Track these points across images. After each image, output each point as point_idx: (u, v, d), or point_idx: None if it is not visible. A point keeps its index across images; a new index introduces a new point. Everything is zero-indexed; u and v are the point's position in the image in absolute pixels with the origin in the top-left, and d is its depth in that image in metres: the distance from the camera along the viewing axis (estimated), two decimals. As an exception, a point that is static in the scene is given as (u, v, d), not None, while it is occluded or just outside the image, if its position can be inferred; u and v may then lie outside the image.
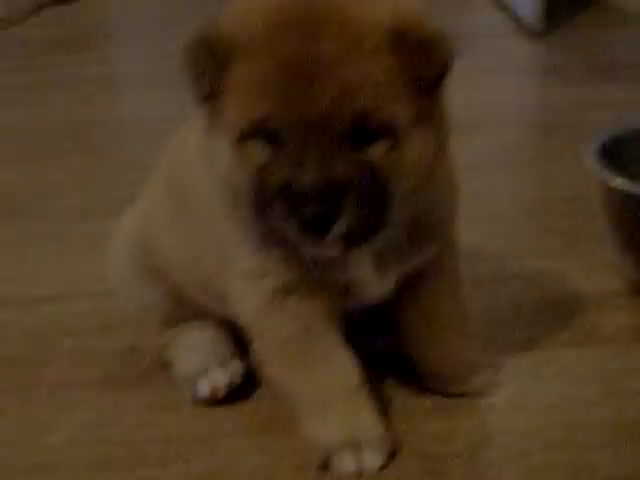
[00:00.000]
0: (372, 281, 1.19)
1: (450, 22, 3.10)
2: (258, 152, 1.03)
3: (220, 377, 1.33)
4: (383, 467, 1.18)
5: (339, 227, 1.00)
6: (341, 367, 1.20)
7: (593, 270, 1.61)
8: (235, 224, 1.15)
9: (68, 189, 2.16)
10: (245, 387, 1.34)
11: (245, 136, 1.03)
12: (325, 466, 1.18)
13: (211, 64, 1.04)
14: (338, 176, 0.99)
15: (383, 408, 1.26)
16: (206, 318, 1.41)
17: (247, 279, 1.19)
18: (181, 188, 1.28)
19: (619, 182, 1.44)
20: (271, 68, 1.00)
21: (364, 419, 1.20)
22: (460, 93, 2.43)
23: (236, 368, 1.36)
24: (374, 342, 1.39)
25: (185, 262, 1.31)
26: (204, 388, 1.33)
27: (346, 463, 1.18)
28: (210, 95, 1.06)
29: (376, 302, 1.25)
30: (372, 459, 1.18)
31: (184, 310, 1.39)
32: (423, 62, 1.02)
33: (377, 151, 1.02)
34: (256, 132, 1.02)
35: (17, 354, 1.50)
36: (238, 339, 1.38)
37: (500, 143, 2.28)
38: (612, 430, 1.22)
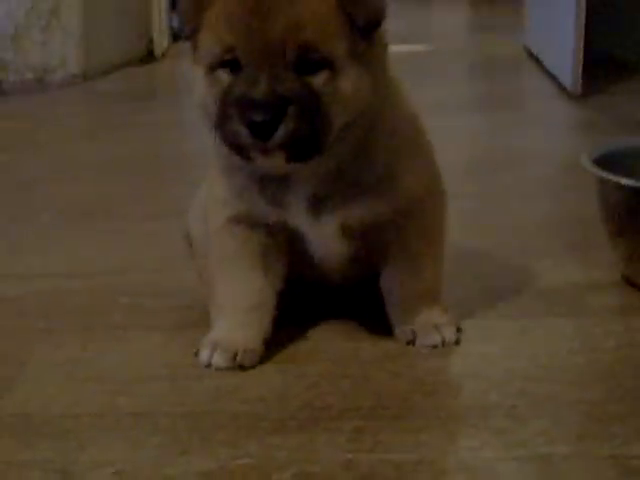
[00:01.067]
0: (307, 224, 1.43)
1: (501, 83, 3.46)
2: (224, 77, 1.29)
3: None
4: (383, 388, 1.38)
5: (281, 133, 1.24)
6: (248, 287, 1.48)
7: (590, 267, 1.82)
8: (215, 157, 1.45)
9: (133, 200, 2.52)
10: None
11: (214, 65, 1.30)
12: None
13: (193, 6, 1.31)
14: (284, 92, 1.24)
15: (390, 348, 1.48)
16: None
17: (215, 204, 1.48)
18: None
19: (610, 175, 1.64)
20: (236, 8, 1.26)
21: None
22: (503, 139, 2.75)
23: None
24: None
25: None
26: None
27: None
28: (192, 32, 1.33)
29: (334, 258, 1.50)
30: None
31: None
32: (358, 8, 1.27)
33: (318, 80, 1.27)
34: (222, 61, 1.28)
35: (85, 306, 1.77)
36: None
37: (529, 178, 2.58)
38: (585, 373, 1.42)
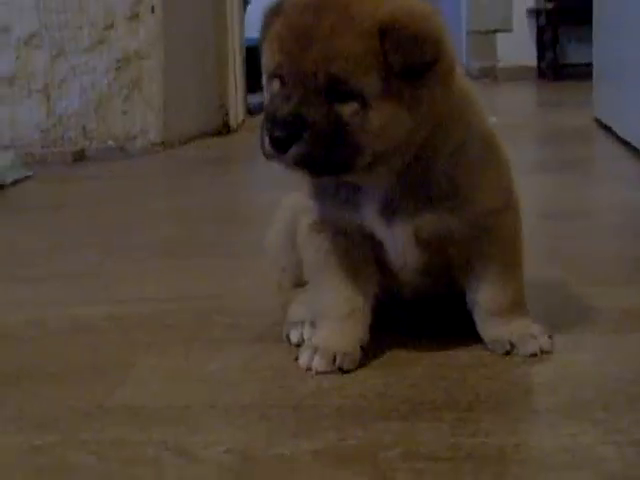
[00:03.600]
0: (381, 228, 1.50)
1: (573, 149, 3.56)
2: (275, 86, 1.40)
3: (308, 332, 1.64)
4: (480, 388, 1.43)
5: (293, 152, 1.34)
6: (338, 296, 1.56)
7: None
8: None
9: (214, 243, 2.67)
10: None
11: (269, 76, 1.42)
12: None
13: (263, 22, 1.44)
14: (304, 115, 1.34)
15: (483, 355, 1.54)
16: None
17: (301, 215, 1.59)
18: None
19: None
20: (286, 31, 1.37)
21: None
22: (575, 192, 2.80)
23: None
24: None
25: None
26: (295, 336, 1.66)
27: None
28: (259, 44, 1.45)
29: (411, 268, 1.56)
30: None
31: None
32: (397, 55, 1.34)
33: (346, 109, 1.35)
34: (273, 74, 1.40)
35: (183, 324, 1.86)
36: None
37: (601, 224, 2.68)
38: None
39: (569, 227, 2.56)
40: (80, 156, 4.63)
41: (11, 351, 1.75)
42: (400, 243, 1.52)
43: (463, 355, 1.57)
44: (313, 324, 1.63)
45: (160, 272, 2.32)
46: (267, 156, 1.39)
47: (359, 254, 1.56)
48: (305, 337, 1.64)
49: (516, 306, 1.58)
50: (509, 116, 5.59)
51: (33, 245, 2.75)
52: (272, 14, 1.42)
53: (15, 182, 3.86)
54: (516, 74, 8.82)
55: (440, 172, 1.47)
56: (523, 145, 4.48)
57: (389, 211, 1.49)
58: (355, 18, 1.34)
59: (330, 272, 1.56)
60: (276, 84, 1.40)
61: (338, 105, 1.35)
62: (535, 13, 8.99)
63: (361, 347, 1.55)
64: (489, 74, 9.06)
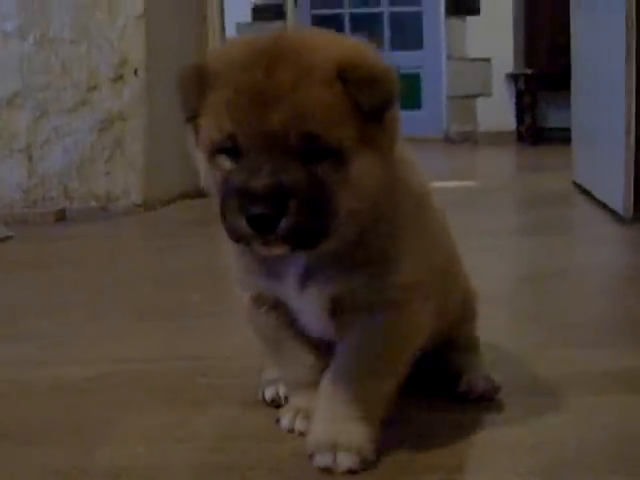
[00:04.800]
0: (295, 293, 1.40)
1: (553, 212, 3.59)
2: (225, 164, 1.25)
3: (283, 390, 1.63)
4: (460, 449, 1.43)
5: (282, 227, 1.19)
6: (301, 367, 1.52)
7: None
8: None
9: (199, 302, 2.66)
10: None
11: (214, 151, 1.26)
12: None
13: (193, 91, 1.27)
14: (285, 183, 1.18)
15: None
16: None
17: (238, 288, 1.54)
18: None
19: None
20: (235, 95, 1.22)
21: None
22: (556, 255, 2.82)
23: None
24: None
25: None
26: (269, 393, 1.65)
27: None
28: (191, 117, 1.29)
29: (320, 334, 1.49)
30: None
31: None
32: (364, 94, 1.22)
33: (325, 168, 1.21)
34: (222, 148, 1.24)
35: (165, 385, 1.86)
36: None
37: (585, 285, 2.67)
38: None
39: (549, 289, 2.57)
40: (61, 216, 4.63)
41: (-10, 411, 1.74)
42: (310, 308, 1.44)
43: (441, 417, 1.57)
44: None
45: (142, 333, 2.31)
46: (243, 241, 1.24)
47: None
48: (281, 395, 1.63)
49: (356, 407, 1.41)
50: (489, 180, 5.66)
51: (14, 305, 2.74)
52: (199, 82, 1.27)
53: (-4, 242, 3.86)
54: (496, 138, 8.92)
55: (372, 241, 1.36)
56: (503, 209, 4.53)
57: (305, 278, 1.38)
58: (312, 66, 1.22)
59: (283, 346, 1.53)
60: (225, 160, 1.26)
61: (315, 165, 1.22)
62: (514, 78, 9.12)
63: None
64: (469, 138, 9.17)
